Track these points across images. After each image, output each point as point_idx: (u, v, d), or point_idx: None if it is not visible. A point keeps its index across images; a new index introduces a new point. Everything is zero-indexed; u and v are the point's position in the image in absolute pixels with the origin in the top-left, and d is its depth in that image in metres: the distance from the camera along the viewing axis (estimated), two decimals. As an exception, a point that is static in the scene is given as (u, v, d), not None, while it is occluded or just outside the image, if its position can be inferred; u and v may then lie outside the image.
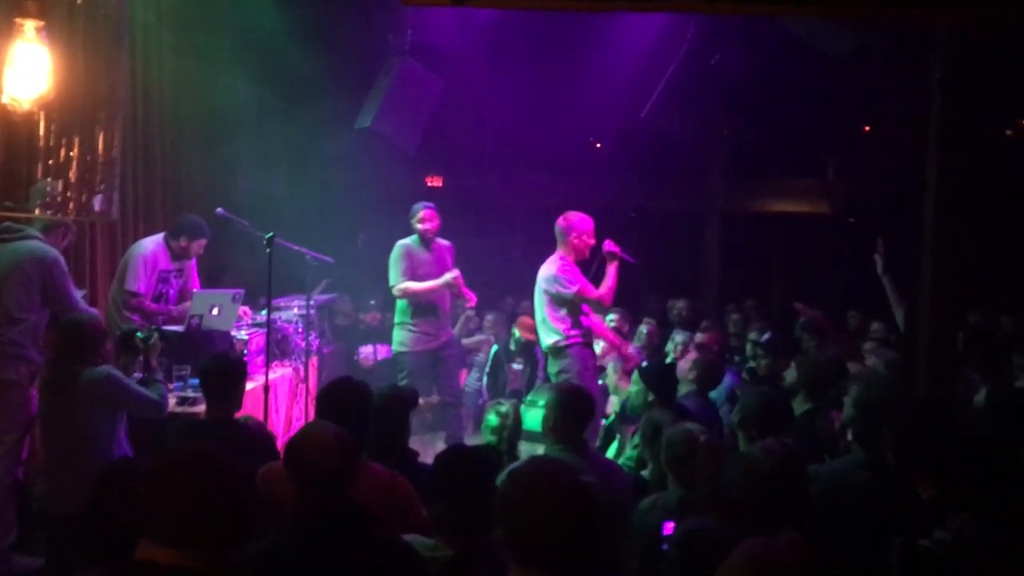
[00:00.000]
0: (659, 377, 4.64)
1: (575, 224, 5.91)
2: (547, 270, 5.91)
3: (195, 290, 6.18)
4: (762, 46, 8.64)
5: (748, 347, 7.28)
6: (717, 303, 11.16)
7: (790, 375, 4.76)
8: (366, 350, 8.01)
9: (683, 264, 13.64)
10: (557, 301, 5.79)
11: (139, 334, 4.72)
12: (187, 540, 1.96)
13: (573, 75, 10.05)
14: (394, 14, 8.07)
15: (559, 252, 5.95)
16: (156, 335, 4.79)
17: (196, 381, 5.24)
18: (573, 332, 5.79)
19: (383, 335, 7.96)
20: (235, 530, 2.03)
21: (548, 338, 5.85)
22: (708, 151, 12.79)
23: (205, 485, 1.99)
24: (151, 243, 6.12)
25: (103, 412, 4.29)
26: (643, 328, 7.15)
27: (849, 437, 3.71)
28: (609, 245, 5.92)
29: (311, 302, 6.60)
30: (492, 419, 4.26)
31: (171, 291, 6.24)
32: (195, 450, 2.10)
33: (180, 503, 1.96)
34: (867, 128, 12.90)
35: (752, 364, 6.11)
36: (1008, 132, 12.31)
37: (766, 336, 6.34)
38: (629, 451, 4.53)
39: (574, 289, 5.76)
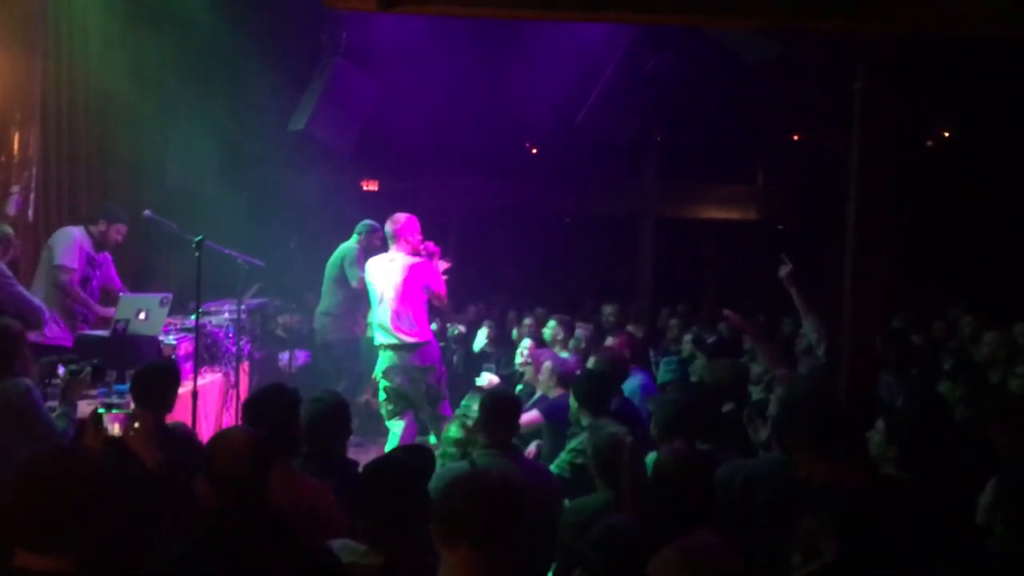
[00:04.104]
0: (585, 388, 4.63)
1: (407, 225, 5.96)
2: (420, 269, 5.87)
3: (121, 293, 6.03)
4: (696, 55, 8.80)
5: (685, 348, 7.41)
6: (652, 307, 11.30)
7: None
8: (284, 356, 7.93)
9: (617, 268, 13.82)
10: (427, 295, 5.89)
11: (71, 367, 4.39)
12: (54, 544, 1.95)
13: (509, 79, 10.11)
14: (329, 15, 8.01)
15: (405, 250, 5.92)
16: (88, 371, 4.43)
17: (121, 387, 5.12)
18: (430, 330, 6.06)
19: (300, 339, 7.91)
20: (104, 533, 2.01)
21: (416, 335, 5.82)
22: (642, 157, 12.97)
23: (71, 486, 1.97)
24: (74, 228, 6.09)
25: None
26: (579, 332, 7.20)
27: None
28: (431, 246, 6.05)
29: (242, 306, 6.49)
30: (454, 431, 4.17)
31: (94, 280, 6.13)
32: (61, 451, 2.06)
33: (41, 505, 1.95)
34: (796, 136, 13.23)
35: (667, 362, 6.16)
36: (929, 143, 12.75)
37: (711, 339, 6.47)
38: (564, 455, 4.55)
39: (442, 290, 5.94)
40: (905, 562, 2.67)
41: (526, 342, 6.63)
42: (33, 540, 1.96)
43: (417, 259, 5.89)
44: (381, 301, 5.89)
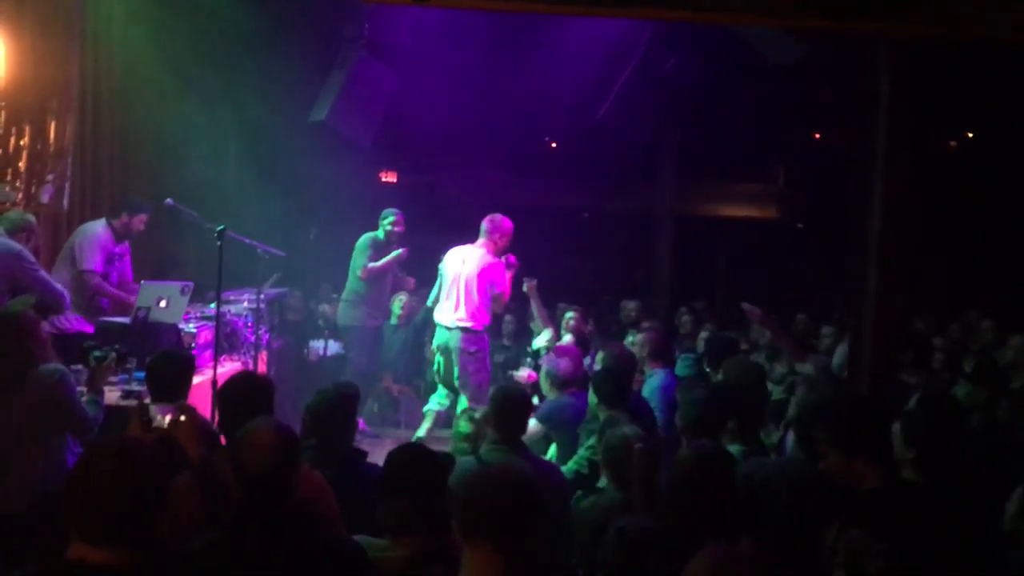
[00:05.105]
0: (603, 384, 4.64)
1: (502, 228, 6.53)
2: (492, 268, 6.46)
3: (142, 281, 6.08)
4: (716, 53, 8.76)
5: (700, 345, 7.41)
6: (669, 304, 11.28)
7: (716, 378, 4.86)
8: (316, 344, 8.00)
9: (634, 266, 13.79)
10: (491, 294, 6.47)
11: (95, 353, 4.40)
12: (114, 537, 1.95)
13: (529, 75, 10.08)
14: (351, 7, 8.02)
15: (488, 248, 6.50)
16: (113, 356, 4.45)
17: (141, 374, 5.15)
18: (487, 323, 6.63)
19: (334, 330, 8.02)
20: (157, 526, 2.02)
21: (470, 321, 6.44)
22: (661, 154, 12.92)
23: (131, 478, 1.96)
24: (96, 225, 6.16)
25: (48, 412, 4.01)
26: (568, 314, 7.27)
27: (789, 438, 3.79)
28: (512, 259, 6.65)
29: (261, 296, 6.53)
30: (464, 426, 4.17)
31: (113, 274, 6.22)
32: (120, 443, 2.06)
33: (106, 497, 1.94)
34: (816, 135, 13.16)
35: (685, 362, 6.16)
36: (952, 144, 12.66)
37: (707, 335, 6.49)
38: (582, 451, 4.55)
39: (506, 294, 6.60)
40: (916, 566, 2.65)
41: (567, 338, 6.69)
42: (90, 532, 1.95)
43: (493, 260, 6.45)
44: (452, 285, 6.50)
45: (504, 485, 2.25)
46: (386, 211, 7.63)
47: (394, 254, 7.47)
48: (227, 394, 3.48)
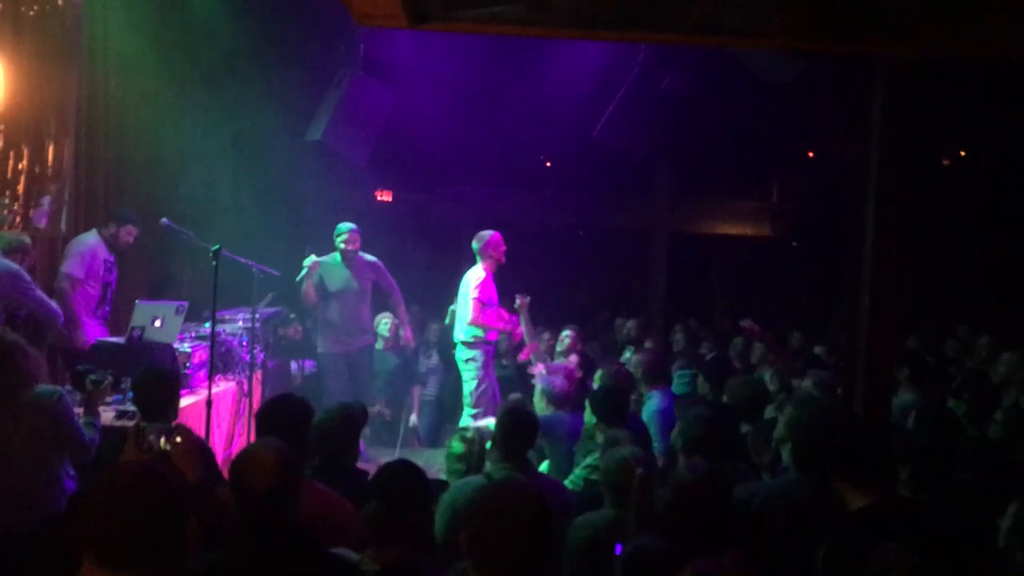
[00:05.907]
0: (603, 402, 4.64)
1: (491, 242, 6.83)
2: (467, 286, 6.84)
3: (137, 301, 6.08)
4: (710, 71, 8.81)
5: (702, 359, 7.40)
6: (665, 321, 11.28)
7: (711, 397, 4.86)
8: (294, 365, 7.92)
9: (630, 283, 13.80)
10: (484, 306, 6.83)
11: (92, 377, 4.43)
12: (136, 562, 1.92)
13: (525, 92, 10.12)
14: (347, 27, 8.04)
15: (487, 265, 6.85)
16: (109, 380, 4.49)
17: (135, 394, 5.14)
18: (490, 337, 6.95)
19: (305, 350, 8.02)
20: (174, 549, 2.01)
21: (464, 334, 6.85)
22: (656, 171, 12.95)
23: (149, 502, 1.95)
24: (89, 236, 6.24)
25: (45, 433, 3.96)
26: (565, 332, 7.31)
27: (783, 457, 3.78)
28: (522, 303, 6.97)
29: (256, 315, 6.51)
30: (457, 446, 4.15)
31: (114, 283, 6.30)
32: (139, 467, 2.05)
33: (125, 521, 1.92)
34: (811, 153, 13.20)
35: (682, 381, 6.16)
36: (945, 162, 12.71)
37: (709, 357, 6.49)
38: (578, 471, 4.53)
39: (473, 314, 6.78)
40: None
41: (572, 358, 6.74)
42: (110, 557, 1.92)
43: (478, 280, 6.73)
44: (459, 303, 6.93)
45: (518, 515, 2.15)
46: (339, 226, 7.27)
47: (303, 271, 7.11)
48: (266, 417, 3.51)
